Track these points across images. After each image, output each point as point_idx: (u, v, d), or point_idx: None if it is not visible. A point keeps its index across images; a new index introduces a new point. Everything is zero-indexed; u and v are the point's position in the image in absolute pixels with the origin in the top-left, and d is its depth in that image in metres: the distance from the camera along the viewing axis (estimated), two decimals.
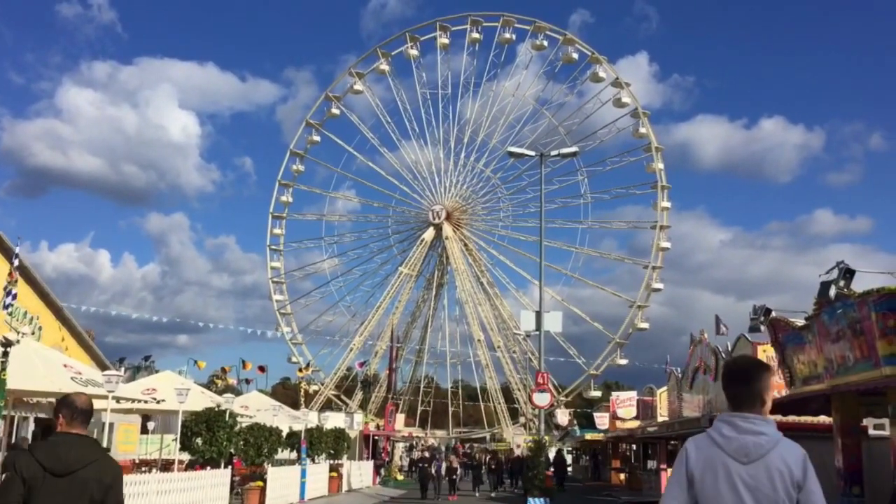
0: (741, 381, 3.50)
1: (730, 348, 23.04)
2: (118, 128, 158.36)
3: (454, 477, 30.35)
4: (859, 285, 12.56)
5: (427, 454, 34.22)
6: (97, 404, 20.82)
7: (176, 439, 22.30)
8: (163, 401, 22.19)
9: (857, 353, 12.51)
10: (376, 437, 43.67)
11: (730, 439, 3.34)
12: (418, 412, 76.84)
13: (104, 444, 20.62)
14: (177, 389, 21.07)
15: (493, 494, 33.76)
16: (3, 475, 4.26)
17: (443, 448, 64.50)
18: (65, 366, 16.23)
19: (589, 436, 51.68)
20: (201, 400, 24.01)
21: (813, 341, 14.62)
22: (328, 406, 67.45)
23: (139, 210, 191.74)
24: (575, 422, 63.05)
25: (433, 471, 30.86)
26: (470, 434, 78.65)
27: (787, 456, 3.34)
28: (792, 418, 18.11)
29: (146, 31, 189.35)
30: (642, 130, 68.46)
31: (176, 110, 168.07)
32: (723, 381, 3.63)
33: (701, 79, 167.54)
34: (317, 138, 77.28)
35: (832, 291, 12.82)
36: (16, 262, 20.53)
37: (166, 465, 25.29)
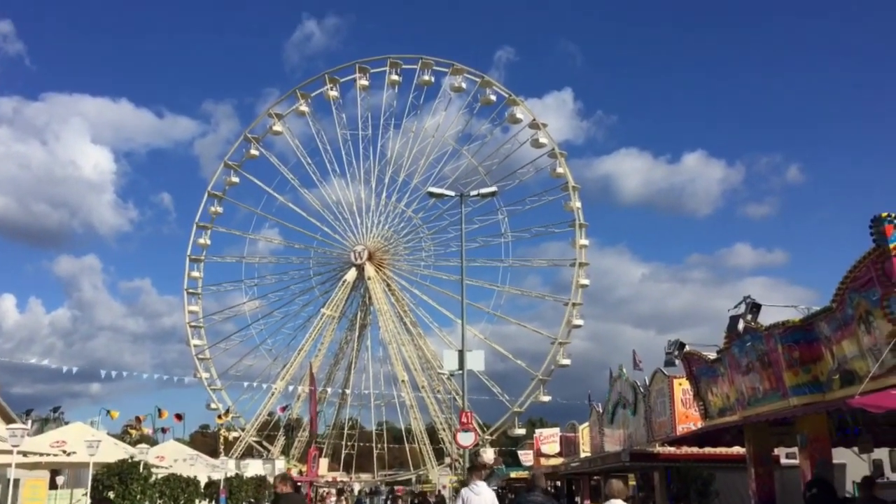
0: (476, 470, 13.98)
1: (647, 382, 23.41)
2: (25, 164, 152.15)
3: None
4: (770, 318, 13.00)
5: None
6: (0, 459, 19.80)
7: (86, 494, 21.30)
8: (73, 453, 21.29)
9: (766, 384, 12.92)
10: (299, 484, 42.68)
11: (474, 488, 12.63)
12: (342, 456, 75.49)
13: (8, 502, 19.52)
14: (87, 441, 20.24)
15: None
16: None
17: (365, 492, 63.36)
18: None
19: (514, 474, 51.61)
20: (114, 451, 23.12)
21: (725, 374, 15.04)
22: (249, 453, 65.56)
23: (50, 253, 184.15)
24: (501, 460, 62.93)
25: None
26: (395, 476, 77.57)
27: (490, 494, 12.91)
28: (708, 450, 18.46)
29: (56, 65, 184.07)
30: (559, 170, 70.11)
31: (88, 146, 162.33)
32: (468, 469, 16.25)
33: (625, 115, 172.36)
34: (235, 179, 76.23)
35: (741, 325, 13.23)
36: None
37: None
